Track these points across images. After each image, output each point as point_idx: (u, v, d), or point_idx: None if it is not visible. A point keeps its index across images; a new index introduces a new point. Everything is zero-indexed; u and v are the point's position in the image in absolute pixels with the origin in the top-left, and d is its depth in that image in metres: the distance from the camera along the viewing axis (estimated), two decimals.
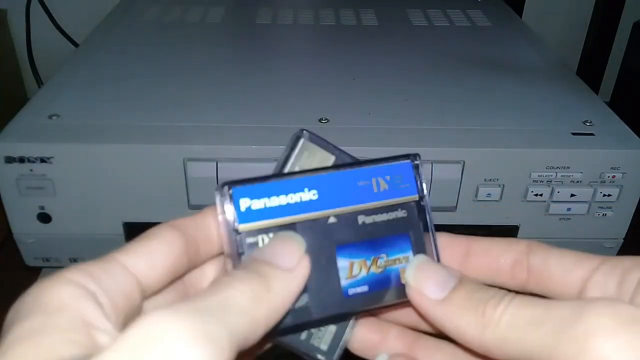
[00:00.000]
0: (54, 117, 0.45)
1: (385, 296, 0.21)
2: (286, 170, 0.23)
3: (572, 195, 0.44)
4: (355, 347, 0.23)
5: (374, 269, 0.22)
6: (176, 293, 0.21)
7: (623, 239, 0.47)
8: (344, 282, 0.21)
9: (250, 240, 0.20)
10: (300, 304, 0.20)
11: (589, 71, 0.85)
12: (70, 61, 0.56)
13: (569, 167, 0.43)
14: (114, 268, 0.18)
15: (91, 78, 0.52)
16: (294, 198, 0.21)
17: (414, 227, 0.22)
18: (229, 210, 0.20)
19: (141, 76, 0.53)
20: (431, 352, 0.23)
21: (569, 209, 0.45)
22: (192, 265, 0.21)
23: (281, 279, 0.18)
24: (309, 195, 0.21)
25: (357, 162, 0.22)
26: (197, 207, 0.44)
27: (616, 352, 0.16)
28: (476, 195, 0.44)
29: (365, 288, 0.21)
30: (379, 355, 0.23)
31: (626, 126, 0.46)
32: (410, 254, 0.22)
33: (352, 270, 0.21)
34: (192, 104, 0.48)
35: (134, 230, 0.46)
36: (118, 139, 0.43)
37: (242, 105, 0.48)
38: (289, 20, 0.68)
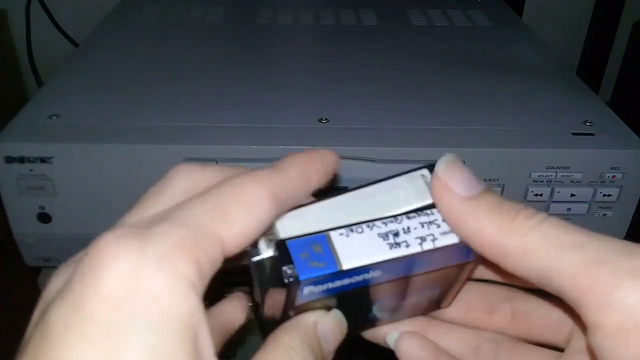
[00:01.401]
0: (54, 117, 0.45)
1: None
2: None
3: (572, 195, 0.44)
4: (367, 335, 0.23)
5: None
6: None
7: (623, 239, 0.47)
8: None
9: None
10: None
11: (589, 71, 0.85)
12: (70, 61, 0.56)
13: (569, 167, 0.43)
14: (215, 251, 0.16)
15: (91, 78, 0.52)
16: (356, 279, 0.20)
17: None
18: (293, 295, 0.19)
19: (141, 76, 0.53)
20: (442, 334, 0.23)
21: (569, 209, 0.45)
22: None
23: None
24: (371, 275, 0.20)
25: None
26: None
27: None
28: None
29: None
30: (388, 334, 0.23)
31: (626, 126, 0.46)
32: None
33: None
34: (192, 104, 0.48)
35: None
36: (118, 139, 0.43)
37: (242, 105, 0.48)
38: (289, 20, 0.68)
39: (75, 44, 0.82)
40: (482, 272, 0.23)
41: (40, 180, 0.43)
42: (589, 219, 0.46)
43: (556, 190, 0.44)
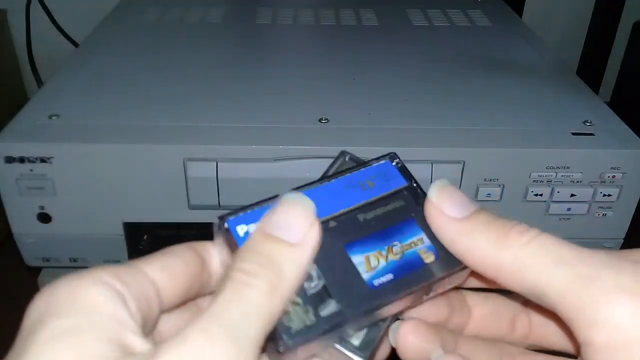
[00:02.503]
0: (54, 117, 0.45)
1: (414, 280, 0.21)
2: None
3: (572, 195, 0.44)
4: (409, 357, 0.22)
5: (391, 257, 0.21)
6: (189, 314, 0.21)
7: (623, 239, 0.47)
8: (365, 275, 0.21)
9: None
10: (329, 310, 0.20)
11: (589, 71, 0.85)
12: (70, 61, 0.56)
13: (569, 167, 0.43)
14: (138, 274, 0.18)
15: (91, 78, 0.52)
16: None
17: (417, 212, 0.22)
18: (230, 239, 0.20)
19: (141, 76, 0.53)
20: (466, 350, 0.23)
21: (569, 209, 0.45)
22: (205, 288, 0.21)
23: (291, 258, 0.18)
24: None
25: (338, 173, 0.23)
26: (197, 207, 0.44)
27: (637, 315, 0.16)
28: (476, 195, 0.44)
29: (390, 276, 0.21)
30: (433, 352, 0.22)
31: (626, 126, 0.46)
32: (422, 235, 0.22)
33: (370, 263, 0.21)
34: (192, 104, 0.48)
35: (134, 230, 0.46)
36: (118, 139, 0.43)
37: (242, 105, 0.48)
38: (289, 20, 0.68)
39: (75, 44, 0.82)
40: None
41: (40, 180, 0.43)
42: (589, 219, 0.46)
43: (556, 190, 0.44)
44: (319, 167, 0.43)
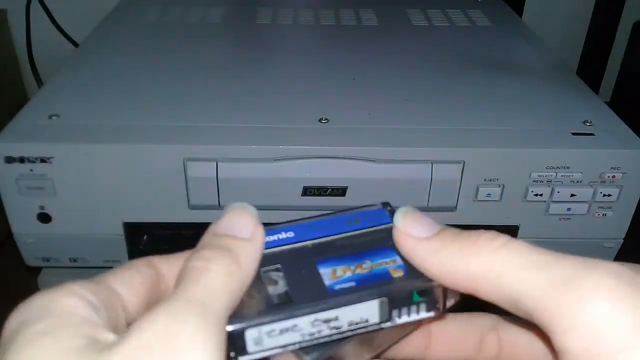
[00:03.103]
0: (54, 117, 0.45)
1: (375, 289, 0.21)
2: None
3: (572, 195, 0.44)
4: None
5: (359, 271, 0.21)
6: None
7: (623, 239, 0.47)
8: (327, 282, 0.21)
9: None
10: (282, 300, 0.20)
11: (589, 71, 0.85)
12: (70, 61, 0.56)
13: (569, 167, 0.43)
14: (106, 288, 0.19)
15: (91, 78, 0.52)
16: (271, 238, 0.22)
17: (394, 242, 0.22)
18: None
19: (141, 76, 0.53)
20: None
21: (569, 209, 0.45)
22: (161, 299, 0.21)
23: (245, 248, 0.20)
24: (285, 235, 0.23)
25: (328, 213, 0.24)
26: (197, 207, 0.44)
27: (615, 315, 0.15)
28: (476, 195, 0.44)
29: (352, 284, 0.21)
30: None
31: (626, 126, 0.46)
32: (396, 257, 0.22)
33: (335, 274, 0.21)
34: (192, 104, 0.48)
35: (134, 230, 0.46)
36: (118, 139, 0.43)
37: (242, 105, 0.48)
38: (289, 20, 0.68)
39: (75, 44, 0.82)
40: None
41: (40, 180, 0.43)
42: (589, 219, 0.46)
43: (556, 190, 0.44)
44: (319, 167, 0.43)
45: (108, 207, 0.44)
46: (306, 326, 0.20)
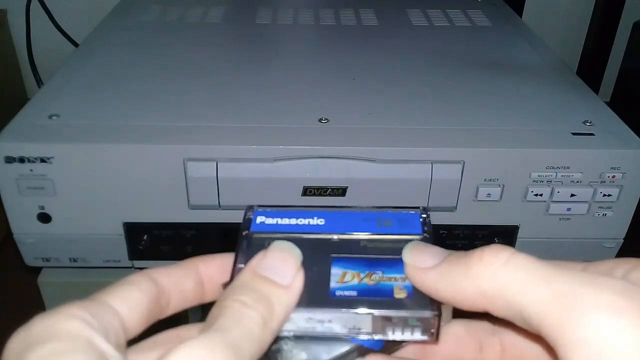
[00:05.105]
0: (54, 117, 0.45)
1: (373, 304, 0.21)
2: None
3: (572, 195, 0.44)
4: None
5: (366, 280, 0.22)
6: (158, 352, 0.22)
7: (623, 239, 0.47)
8: (333, 284, 0.21)
9: (255, 248, 0.22)
10: None
11: (589, 71, 0.85)
12: (70, 61, 0.56)
13: (569, 167, 0.43)
14: (104, 307, 0.19)
15: (91, 78, 0.52)
16: (302, 222, 0.23)
17: None
18: (246, 222, 0.23)
19: (141, 76, 0.53)
20: None
21: (569, 209, 0.45)
22: (162, 314, 0.21)
23: (281, 299, 0.20)
24: (317, 221, 0.24)
25: (365, 207, 0.24)
26: (197, 207, 0.44)
27: (617, 331, 0.16)
28: (476, 195, 0.44)
29: (353, 293, 0.21)
30: None
31: (626, 126, 0.46)
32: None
33: (344, 277, 0.22)
34: (192, 104, 0.48)
35: (134, 230, 0.46)
36: (118, 139, 0.43)
37: (242, 105, 0.48)
38: (289, 20, 0.68)
39: (75, 44, 0.82)
40: None
41: (40, 180, 0.43)
42: (589, 219, 0.46)
43: (556, 190, 0.44)
44: (319, 167, 0.43)
45: (108, 207, 0.44)
46: (300, 321, 0.21)
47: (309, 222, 0.23)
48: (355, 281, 0.22)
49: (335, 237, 0.23)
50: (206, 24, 0.66)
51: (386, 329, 0.21)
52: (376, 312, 0.21)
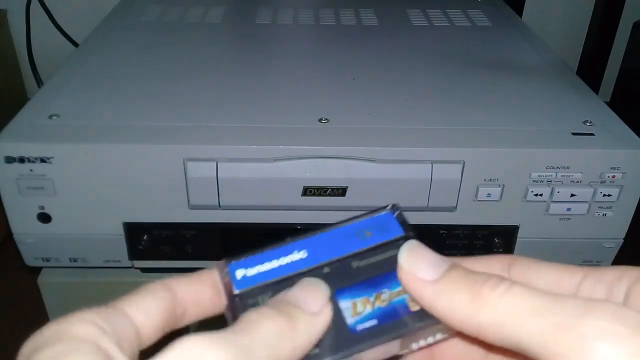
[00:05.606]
0: (54, 117, 0.45)
1: (398, 327, 0.21)
2: None
3: (572, 195, 0.44)
4: None
5: (378, 304, 0.21)
6: None
7: (623, 239, 0.47)
8: (350, 320, 0.21)
9: (250, 301, 0.21)
10: (312, 352, 0.20)
11: (589, 71, 0.85)
12: (70, 61, 0.56)
13: (569, 167, 0.43)
14: (119, 314, 0.19)
15: (91, 78, 0.52)
16: (285, 260, 0.22)
17: None
18: (227, 282, 0.22)
19: (141, 76, 0.53)
20: None
21: (569, 209, 0.45)
22: (178, 324, 0.21)
23: (306, 321, 0.19)
24: (299, 255, 0.22)
25: (339, 223, 0.23)
26: (197, 207, 0.44)
27: (614, 355, 0.16)
28: (476, 195, 0.44)
29: (374, 322, 0.21)
30: None
31: (626, 126, 0.46)
32: None
33: (356, 309, 0.21)
34: (192, 104, 0.48)
35: (134, 230, 0.46)
36: (118, 139, 0.43)
37: (242, 105, 0.48)
38: (289, 20, 0.68)
39: (75, 44, 0.82)
40: None
41: (40, 180, 0.43)
42: (589, 219, 0.46)
43: (556, 190, 0.44)
44: (319, 167, 0.43)
45: (108, 207, 0.44)
46: None
47: (291, 259, 0.22)
48: (369, 309, 0.21)
49: (325, 268, 0.22)
50: (206, 24, 0.66)
51: (412, 343, 0.21)
52: (406, 335, 0.21)
